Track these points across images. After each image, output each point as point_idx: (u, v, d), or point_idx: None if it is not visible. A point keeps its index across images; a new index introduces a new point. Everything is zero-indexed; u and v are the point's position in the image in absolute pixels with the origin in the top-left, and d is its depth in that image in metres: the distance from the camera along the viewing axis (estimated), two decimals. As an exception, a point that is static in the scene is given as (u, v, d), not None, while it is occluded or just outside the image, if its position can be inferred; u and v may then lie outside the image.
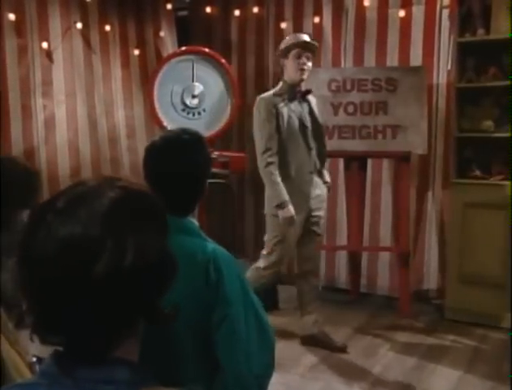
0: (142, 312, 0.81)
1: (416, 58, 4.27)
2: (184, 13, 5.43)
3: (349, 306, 4.25)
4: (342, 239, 4.60)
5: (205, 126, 4.45)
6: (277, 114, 3.19)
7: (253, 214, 5.04)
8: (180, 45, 5.15)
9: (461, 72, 3.87)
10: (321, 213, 3.37)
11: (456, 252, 3.85)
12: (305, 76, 3.26)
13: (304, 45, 3.22)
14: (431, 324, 3.86)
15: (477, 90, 3.88)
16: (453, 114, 3.94)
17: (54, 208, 0.79)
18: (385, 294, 4.42)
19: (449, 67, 3.93)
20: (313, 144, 3.30)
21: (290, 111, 3.25)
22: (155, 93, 4.38)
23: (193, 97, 4.45)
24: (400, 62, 4.33)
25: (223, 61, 4.55)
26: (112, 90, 4.97)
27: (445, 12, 4.16)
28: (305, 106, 3.35)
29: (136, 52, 5.07)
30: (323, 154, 3.36)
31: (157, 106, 4.39)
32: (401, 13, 4.32)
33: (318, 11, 4.65)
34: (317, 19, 4.64)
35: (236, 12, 5.00)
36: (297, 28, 4.74)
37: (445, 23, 4.16)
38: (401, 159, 4.00)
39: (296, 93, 3.30)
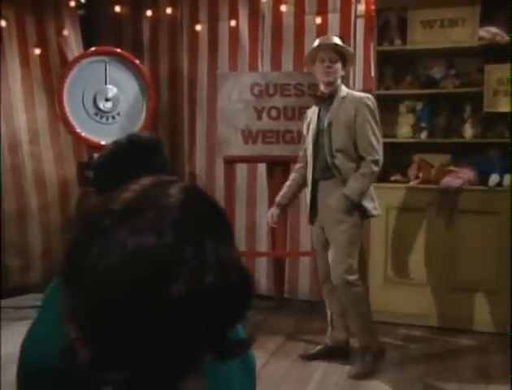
0: (216, 343, 0.62)
1: (333, 65, 4.29)
2: (82, 12, 5.02)
3: (275, 313, 4.16)
4: (262, 244, 4.51)
5: (120, 130, 4.15)
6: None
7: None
8: (85, 46, 4.79)
9: (380, 80, 3.93)
10: None
11: (379, 255, 3.91)
12: (329, 79, 3.14)
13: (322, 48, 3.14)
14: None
15: (394, 97, 3.97)
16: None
17: (110, 214, 0.59)
18: (307, 299, 4.40)
19: (373, 74, 3.97)
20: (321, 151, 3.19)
21: (314, 116, 3.21)
22: (65, 96, 4.01)
23: (107, 100, 4.14)
24: (317, 69, 4.32)
25: (138, 62, 4.28)
26: (11, 91, 4.49)
27: (360, 21, 4.22)
28: (324, 109, 3.21)
29: (37, 51, 4.63)
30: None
31: (67, 109, 4.02)
32: (318, 20, 4.32)
33: (233, 15, 4.52)
34: (233, 23, 4.52)
35: (148, 12, 4.73)
36: (213, 30, 4.59)
37: (360, 31, 4.22)
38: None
39: (319, 97, 3.22)
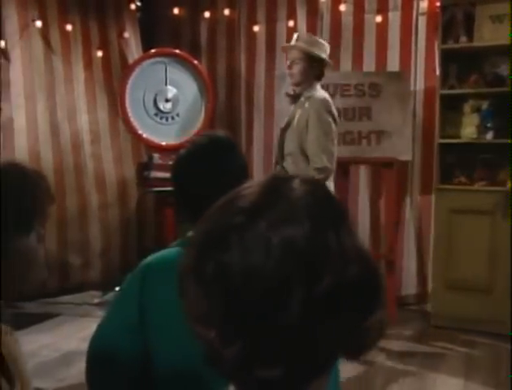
0: (353, 339, 0.60)
1: (393, 64, 4.21)
2: (141, 14, 5.10)
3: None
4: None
5: (179, 131, 4.20)
6: None
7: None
8: (144, 48, 4.87)
9: (443, 79, 3.83)
10: None
11: (441, 258, 3.80)
12: (292, 82, 3.12)
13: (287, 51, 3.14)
14: (419, 332, 3.78)
15: (459, 97, 3.85)
16: (436, 121, 3.89)
17: (242, 210, 0.57)
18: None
19: (438, 73, 3.87)
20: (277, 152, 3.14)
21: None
22: (126, 97, 4.07)
23: (167, 101, 4.19)
24: (377, 68, 4.25)
25: (197, 63, 4.31)
26: (74, 93, 4.60)
27: (422, 19, 4.12)
28: (296, 107, 3.16)
29: (99, 53, 4.73)
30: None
31: (128, 110, 4.09)
32: (378, 18, 4.25)
33: (292, 15, 4.50)
34: (291, 23, 4.49)
35: (206, 14, 4.76)
36: (271, 31, 4.59)
37: (422, 29, 4.12)
38: (385, 165, 3.92)
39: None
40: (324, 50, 3.16)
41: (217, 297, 0.55)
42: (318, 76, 3.13)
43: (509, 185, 3.60)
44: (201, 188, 1.31)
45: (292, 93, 3.16)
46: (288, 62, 3.11)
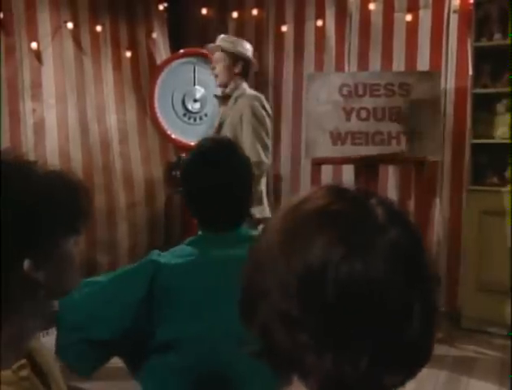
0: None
1: (423, 63, 4.17)
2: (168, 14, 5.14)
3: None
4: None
5: (207, 131, 4.22)
6: None
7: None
8: (172, 48, 4.91)
9: (476, 78, 3.77)
10: None
11: (472, 260, 3.76)
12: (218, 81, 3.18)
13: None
14: (449, 334, 3.73)
15: (492, 96, 3.79)
16: (467, 121, 3.84)
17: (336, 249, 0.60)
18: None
19: (470, 73, 3.82)
20: None
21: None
22: (155, 97, 4.11)
23: (195, 101, 4.22)
24: (406, 67, 4.22)
25: (225, 64, 4.32)
26: (104, 93, 4.66)
27: (454, 17, 4.07)
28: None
29: (128, 54, 4.78)
30: None
31: (157, 110, 4.13)
32: (408, 17, 4.21)
33: (320, 14, 4.49)
34: (320, 23, 4.48)
35: (234, 14, 4.78)
36: (299, 31, 4.58)
37: (454, 27, 4.07)
38: (415, 166, 3.88)
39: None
40: (247, 49, 3.20)
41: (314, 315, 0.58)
42: (244, 76, 3.16)
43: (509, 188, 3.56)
44: (206, 190, 1.40)
45: (220, 94, 3.20)
46: (212, 64, 3.18)
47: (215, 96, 3.27)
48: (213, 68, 3.17)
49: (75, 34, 4.47)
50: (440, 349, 3.49)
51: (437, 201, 4.20)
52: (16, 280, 0.88)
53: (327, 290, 0.57)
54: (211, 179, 1.39)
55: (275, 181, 4.76)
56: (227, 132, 3.03)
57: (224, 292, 0.98)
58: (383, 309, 0.58)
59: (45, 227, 0.92)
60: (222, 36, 3.27)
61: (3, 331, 0.90)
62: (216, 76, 3.15)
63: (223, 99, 3.14)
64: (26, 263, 0.89)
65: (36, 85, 4.25)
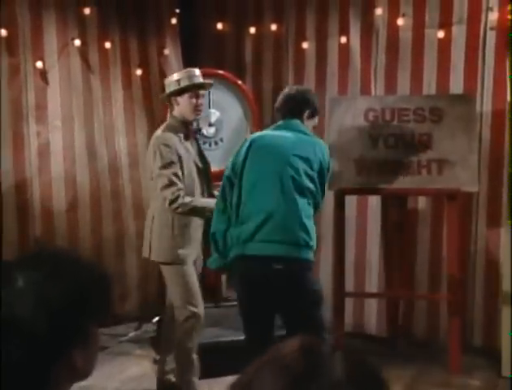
0: None
1: (457, 85, 4.06)
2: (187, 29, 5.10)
3: (388, 358, 3.95)
4: (371, 282, 4.33)
5: (222, 157, 4.15)
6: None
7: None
8: (185, 65, 4.86)
9: (514, 102, 3.66)
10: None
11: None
12: (199, 116, 3.32)
13: (200, 86, 3.23)
14: (488, 382, 3.60)
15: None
16: (505, 148, 3.74)
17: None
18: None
19: (509, 98, 3.70)
20: (204, 188, 3.26)
21: (187, 154, 3.19)
22: (168, 120, 4.05)
23: (210, 125, 4.15)
24: (438, 89, 4.11)
25: (241, 84, 4.27)
26: (113, 115, 4.64)
27: (491, 34, 3.95)
28: (195, 144, 3.32)
29: (139, 72, 4.76)
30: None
31: (170, 135, 4.06)
32: (440, 34, 4.10)
33: (344, 31, 4.40)
34: (343, 40, 4.40)
35: (252, 30, 4.72)
36: (321, 48, 4.51)
37: (491, 45, 3.95)
38: (448, 197, 3.77)
39: (190, 132, 3.27)
40: None
41: None
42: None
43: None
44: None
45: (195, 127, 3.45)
46: (199, 99, 3.24)
47: (202, 134, 3.61)
48: (201, 102, 3.26)
49: (83, 52, 4.46)
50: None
51: (472, 236, 4.06)
52: (63, 367, 1.00)
53: None
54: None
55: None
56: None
57: None
58: None
59: (89, 319, 1.06)
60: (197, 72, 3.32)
61: None
62: (202, 109, 3.32)
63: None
64: (75, 353, 1.01)
65: (42, 107, 4.24)
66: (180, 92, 3.17)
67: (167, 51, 4.81)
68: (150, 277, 4.76)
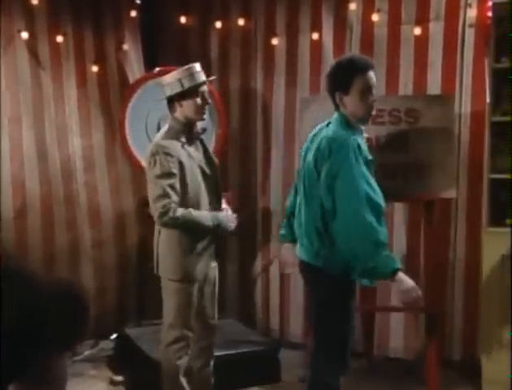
0: None
1: (434, 84, 3.95)
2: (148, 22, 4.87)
3: (363, 373, 3.82)
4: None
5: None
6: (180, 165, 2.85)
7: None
8: (146, 61, 4.63)
9: (495, 103, 3.54)
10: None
11: (493, 311, 3.51)
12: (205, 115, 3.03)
13: (203, 83, 3.00)
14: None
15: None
16: (485, 152, 3.62)
17: None
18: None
19: (488, 99, 3.58)
20: (212, 197, 2.98)
21: (191, 160, 2.90)
22: (127, 121, 3.84)
23: (172, 126, 3.92)
24: (415, 89, 4.00)
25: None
26: (66, 114, 4.41)
27: (470, 31, 3.84)
28: (200, 148, 3.04)
29: (95, 68, 4.51)
30: (219, 206, 3.01)
31: (129, 136, 3.85)
32: (417, 30, 3.97)
33: (316, 26, 4.27)
34: (316, 36, 4.25)
35: (218, 24, 4.54)
36: (292, 45, 4.38)
37: (470, 43, 3.84)
38: (425, 204, 3.63)
39: (194, 135, 2.99)
40: None
41: None
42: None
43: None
44: None
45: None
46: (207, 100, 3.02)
47: (198, 132, 3.06)
48: (208, 102, 3.00)
49: (32, 45, 4.23)
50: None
51: (451, 243, 3.95)
52: None
53: None
54: None
55: (264, 215, 4.49)
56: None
57: None
58: None
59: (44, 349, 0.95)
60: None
61: None
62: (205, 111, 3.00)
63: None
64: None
65: (-15, 105, 3.96)
66: (184, 94, 2.92)
67: (125, 46, 4.60)
68: (108, 290, 4.53)
